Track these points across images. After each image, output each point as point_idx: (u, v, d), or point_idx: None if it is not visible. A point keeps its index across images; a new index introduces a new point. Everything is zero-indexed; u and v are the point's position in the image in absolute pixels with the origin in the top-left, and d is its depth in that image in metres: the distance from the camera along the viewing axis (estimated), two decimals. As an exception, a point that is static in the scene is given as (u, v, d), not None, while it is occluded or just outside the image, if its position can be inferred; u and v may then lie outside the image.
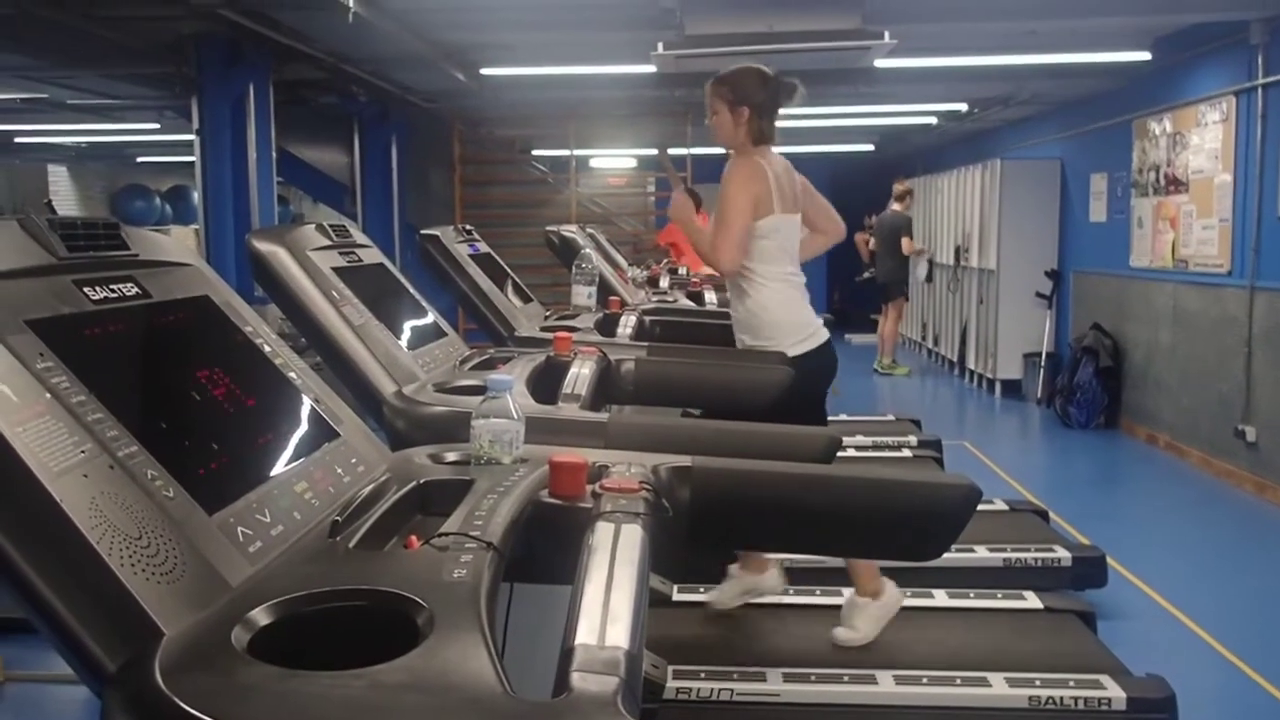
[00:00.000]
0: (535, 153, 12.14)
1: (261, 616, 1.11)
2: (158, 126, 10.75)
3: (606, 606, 1.11)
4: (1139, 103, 7.78)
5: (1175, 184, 7.26)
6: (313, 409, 1.65)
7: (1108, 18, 6.20)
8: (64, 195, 15.31)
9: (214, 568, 1.17)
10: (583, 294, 4.34)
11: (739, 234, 3.17)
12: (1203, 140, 6.89)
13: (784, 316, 3.26)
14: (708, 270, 6.79)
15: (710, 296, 5.33)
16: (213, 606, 1.12)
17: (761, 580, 3.45)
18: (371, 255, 2.84)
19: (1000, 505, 4.95)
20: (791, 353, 3.21)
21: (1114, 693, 2.99)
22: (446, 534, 1.32)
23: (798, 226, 3.33)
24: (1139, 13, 6.12)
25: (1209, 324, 6.81)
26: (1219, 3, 5.91)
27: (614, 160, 12.95)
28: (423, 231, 3.79)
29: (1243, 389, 6.36)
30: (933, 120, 11.11)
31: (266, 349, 1.67)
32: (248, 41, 6.66)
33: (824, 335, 3.32)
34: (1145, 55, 7.05)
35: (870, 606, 3.30)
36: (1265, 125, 6.15)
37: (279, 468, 1.44)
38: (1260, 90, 6.18)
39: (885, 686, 3.07)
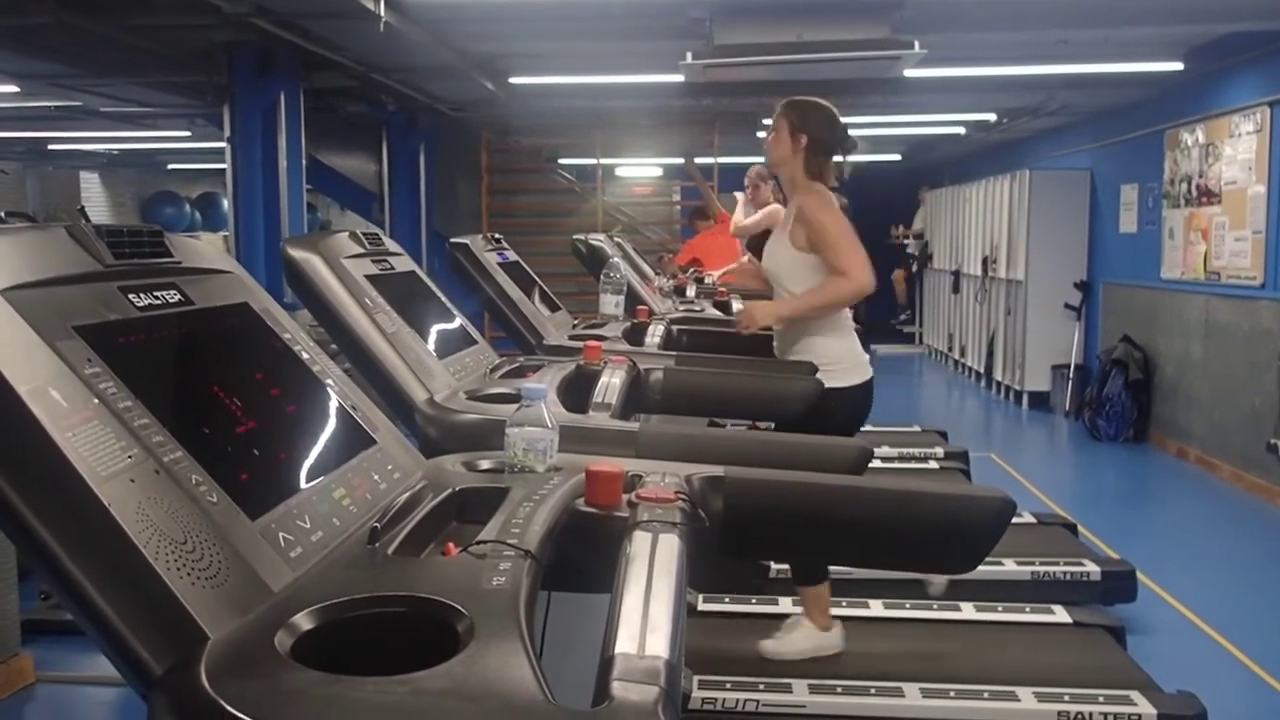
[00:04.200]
0: (562, 161, 12.18)
1: (304, 621, 1.12)
2: (189, 134, 10.86)
3: (646, 616, 1.11)
4: (1171, 113, 7.72)
5: (1207, 195, 7.20)
6: (350, 416, 1.66)
7: (1140, 28, 6.16)
8: (95, 202, 15.50)
9: (257, 573, 1.18)
10: (611, 303, 4.35)
11: (859, 248, 3.20)
12: (1236, 151, 6.83)
13: (843, 348, 3.29)
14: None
15: (737, 306, 5.32)
16: (256, 611, 1.13)
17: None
18: (403, 263, 2.86)
19: (1028, 518, 4.92)
20: (846, 383, 3.23)
21: (1144, 709, 2.97)
22: (484, 542, 1.33)
23: None
24: (1172, 22, 6.08)
25: (1241, 337, 6.75)
26: (1253, 12, 5.86)
27: (640, 169, 12.97)
28: (453, 240, 3.81)
29: (1275, 403, 6.29)
30: (961, 130, 11.07)
31: (305, 356, 1.69)
32: (279, 50, 6.72)
33: (870, 371, 3.35)
34: (1178, 65, 7.00)
35: (813, 632, 3.28)
36: (1299, 137, 6.10)
37: (318, 474, 1.45)
38: (1294, 101, 6.13)
39: (912, 699, 3.06)
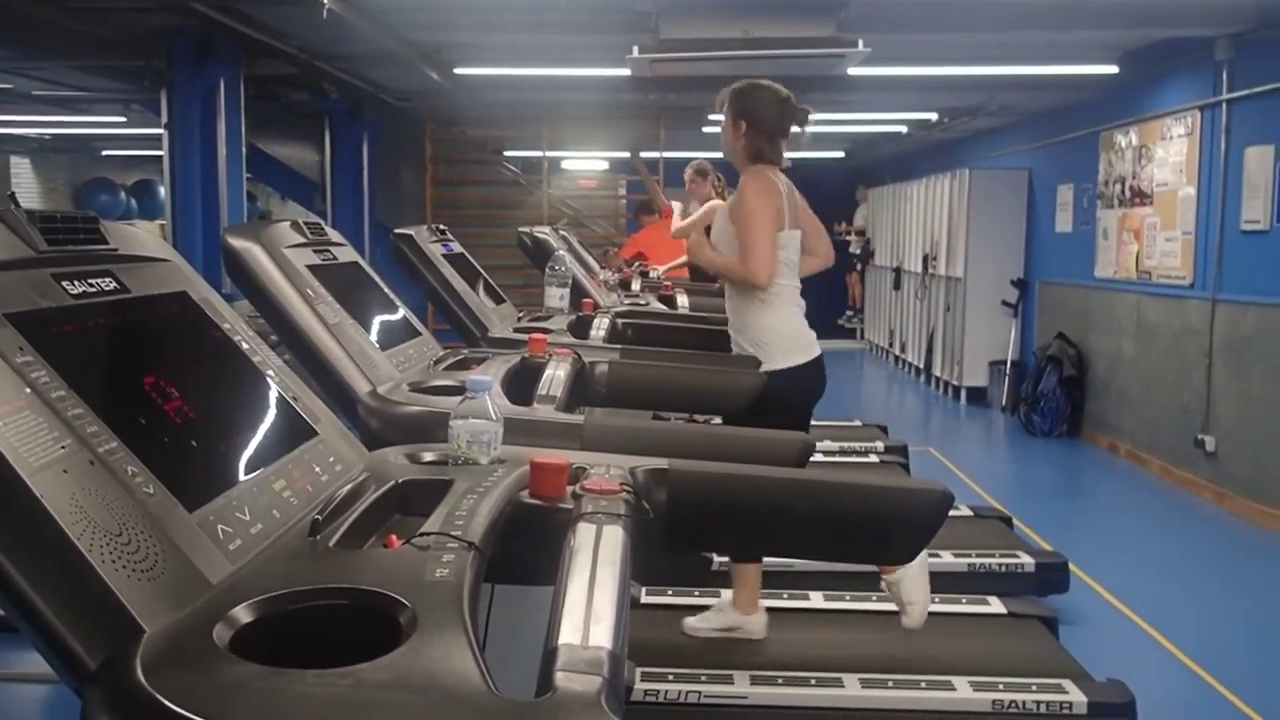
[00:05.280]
0: (508, 153, 12.12)
1: (243, 614, 1.10)
2: (124, 119, 10.63)
3: (589, 607, 1.11)
4: (1106, 115, 7.89)
5: (1140, 196, 7.37)
6: (290, 407, 1.64)
7: (1078, 31, 6.28)
8: (26, 188, 15.09)
9: (194, 565, 1.16)
10: (555, 296, 4.34)
11: (770, 247, 3.20)
12: (1167, 154, 7.00)
13: (786, 329, 3.30)
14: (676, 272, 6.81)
15: (682, 300, 5.34)
16: (194, 604, 1.12)
17: (748, 621, 3.37)
18: (346, 254, 2.83)
19: (965, 511, 5.00)
20: (791, 364, 3.25)
21: (1075, 697, 3.04)
22: (428, 533, 1.32)
23: (799, 242, 3.37)
24: (1108, 27, 6.21)
25: (1171, 335, 6.92)
26: (1185, 19, 6.01)
27: (586, 162, 12.96)
28: (397, 231, 3.77)
29: (1203, 400, 6.47)
30: (903, 129, 11.21)
31: (245, 346, 1.66)
32: (219, 35, 6.61)
33: (818, 350, 3.37)
34: (1113, 69, 7.16)
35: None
36: (1229, 140, 6.26)
37: (258, 466, 1.43)
38: (1224, 105, 6.29)
39: (851, 689, 3.10)
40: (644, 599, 3.83)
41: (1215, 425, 6.36)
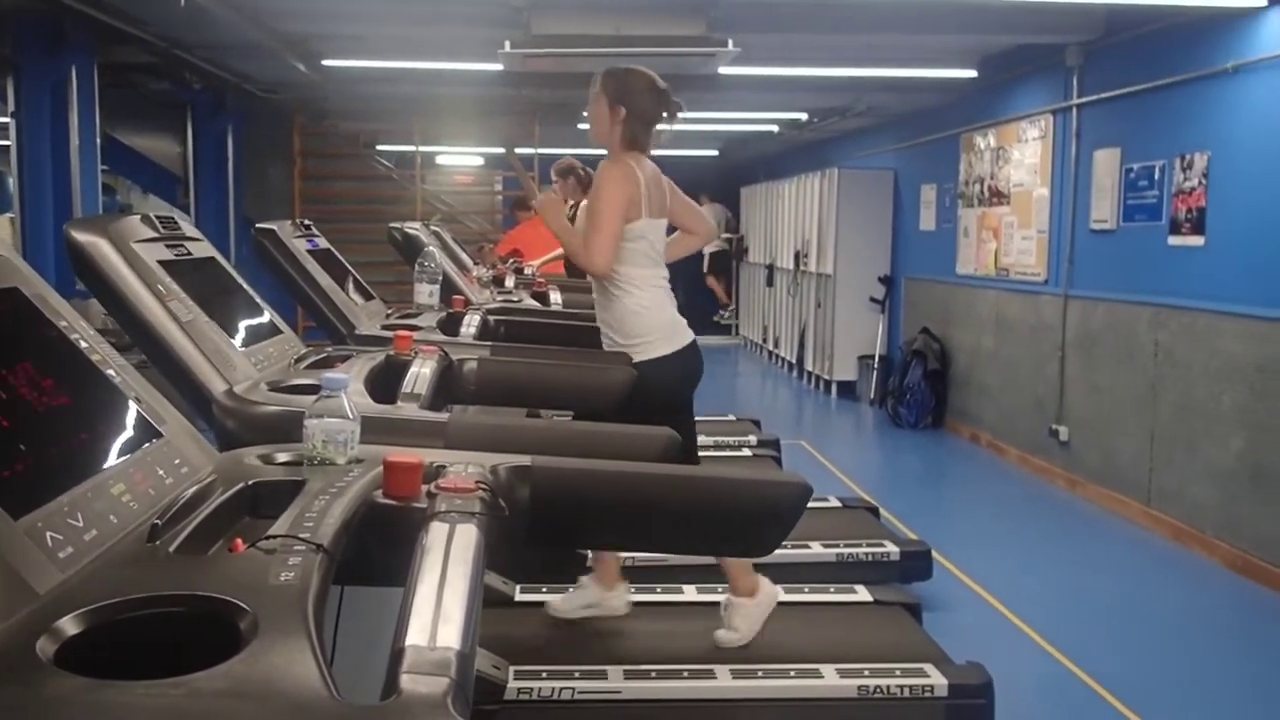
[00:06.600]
0: (380, 148, 11.89)
1: (70, 625, 1.05)
2: (-33, 107, 10.04)
3: (439, 607, 1.09)
4: (966, 118, 8.18)
5: (998, 196, 7.66)
6: (132, 408, 1.58)
7: (939, 36, 6.49)
8: None
9: (19, 575, 1.10)
10: (425, 292, 4.27)
11: (613, 236, 3.19)
12: (1023, 155, 7.29)
13: (652, 319, 3.31)
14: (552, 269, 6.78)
15: (555, 297, 5.32)
16: (17, 615, 1.06)
17: (609, 597, 3.47)
18: (202, 249, 2.72)
19: (834, 502, 5.13)
20: (660, 353, 3.27)
21: (936, 680, 3.14)
22: (274, 536, 1.28)
23: (664, 231, 3.39)
24: (966, 31, 6.44)
25: (1027, 330, 7.22)
26: (1039, 26, 6.27)
27: (461, 158, 12.81)
28: (258, 226, 3.66)
29: (1056, 392, 6.76)
30: (774, 128, 11.40)
31: (82, 345, 1.59)
32: (70, 21, 6.30)
33: (690, 336, 3.39)
34: (972, 73, 7.43)
35: (747, 605, 3.38)
36: (1079, 143, 6.56)
37: (94, 470, 1.37)
38: (1075, 110, 6.59)
39: (723, 681, 3.15)
40: (518, 596, 3.81)
41: (1067, 416, 6.66)
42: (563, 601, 3.47)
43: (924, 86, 8.16)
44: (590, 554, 3.51)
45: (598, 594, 3.48)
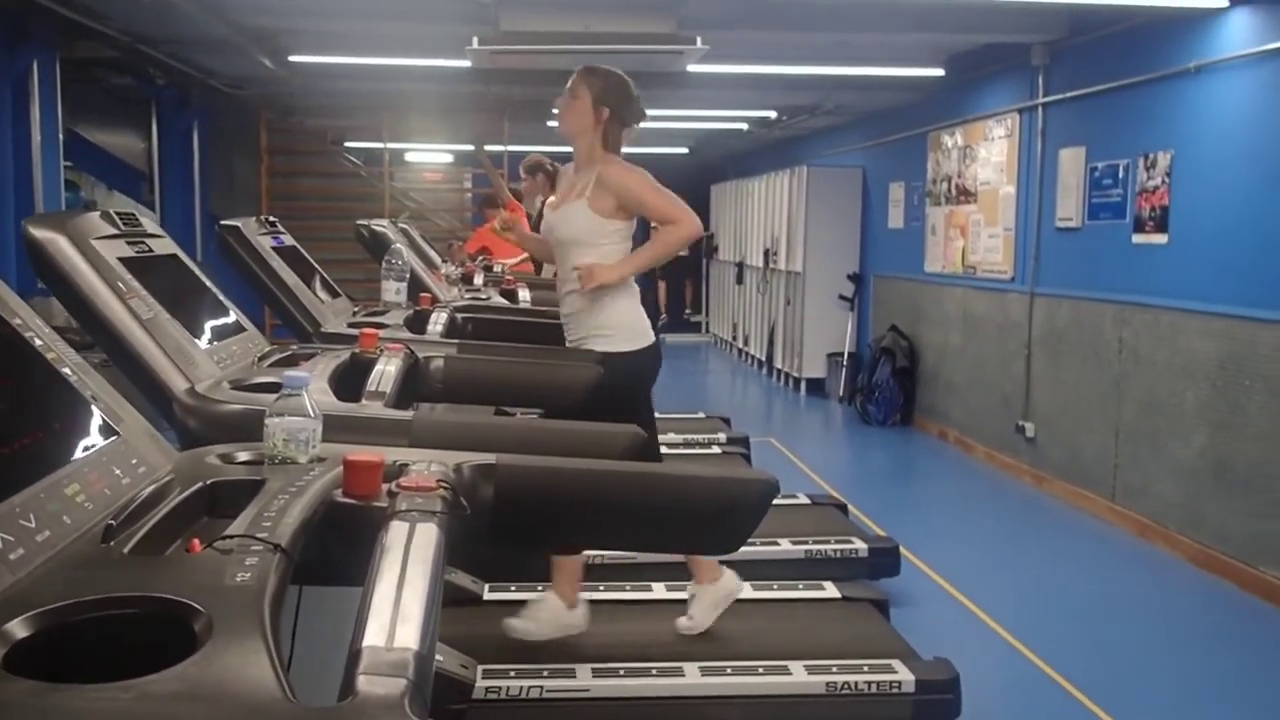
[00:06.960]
0: (348, 145, 11.80)
1: (19, 629, 1.03)
2: (-75, 102, 9.88)
3: (397, 607, 1.08)
4: (934, 116, 8.22)
5: (965, 194, 7.71)
6: (88, 406, 1.55)
7: (907, 34, 6.52)
8: None
9: (-32, 578, 1.08)
10: (392, 290, 4.26)
11: (679, 200, 3.29)
12: (990, 154, 7.34)
13: (630, 315, 3.35)
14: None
15: (524, 294, 5.31)
16: (-35, 620, 1.04)
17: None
18: (164, 245, 2.69)
19: (803, 499, 5.14)
20: (635, 347, 3.30)
21: (904, 676, 3.16)
22: (231, 536, 1.27)
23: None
24: (934, 30, 6.47)
25: (994, 327, 7.27)
26: (1005, 25, 6.31)
27: (430, 155, 12.74)
28: (223, 223, 3.63)
29: (1023, 389, 6.82)
30: (744, 126, 11.42)
31: (38, 343, 1.56)
32: (31, 15, 6.20)
33: (654, 335, 3.44)
34: (939, 72, 7.47)
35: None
36: (1045, 141, 6.61)
37: (47, 470, 1.35)
38: (1041, 108, 6.64)
39: (692, 678, 3.15)
40: (487, 596, 3.80)
41: (1034, 412, 6.72)
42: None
43: (892, 85, 8.19)
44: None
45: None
